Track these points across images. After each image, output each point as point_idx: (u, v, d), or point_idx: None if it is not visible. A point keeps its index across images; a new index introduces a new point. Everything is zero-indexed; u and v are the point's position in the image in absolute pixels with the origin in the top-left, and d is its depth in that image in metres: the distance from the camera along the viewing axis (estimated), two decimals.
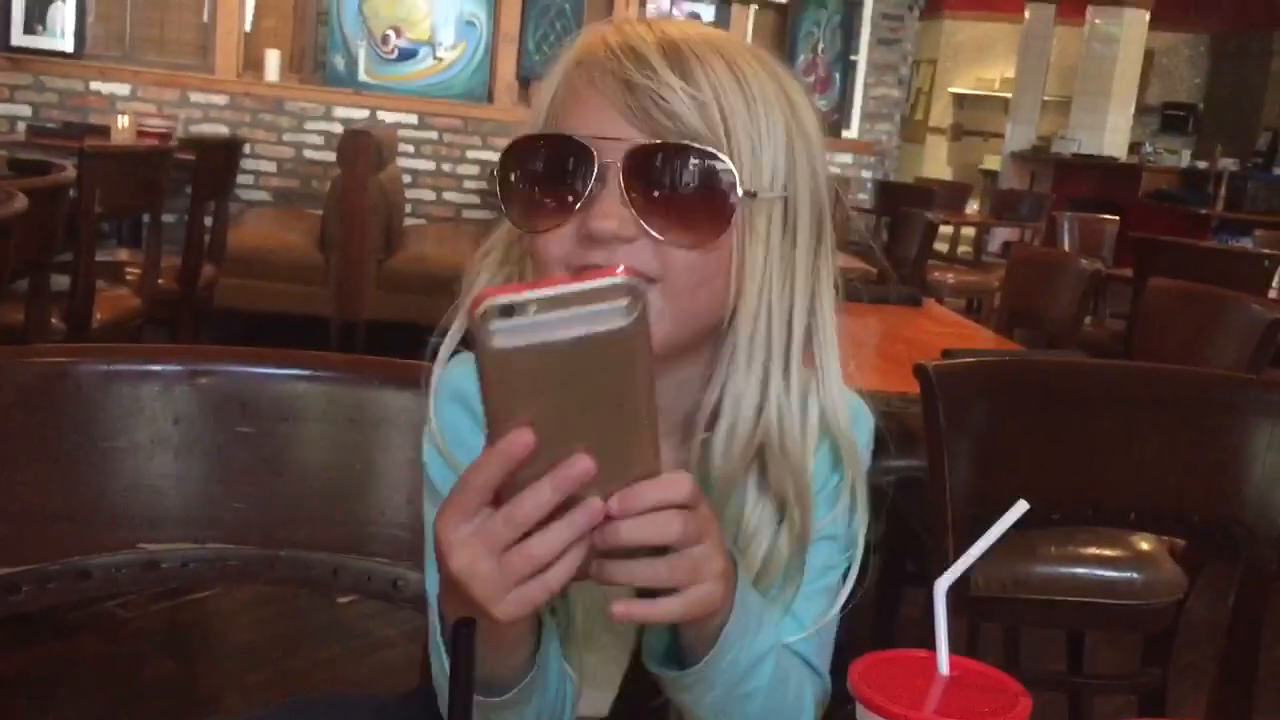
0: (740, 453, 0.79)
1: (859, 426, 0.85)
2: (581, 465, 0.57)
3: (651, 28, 0.78)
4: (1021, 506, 0.69)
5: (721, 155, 0.74)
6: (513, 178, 0.78)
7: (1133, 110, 11.09)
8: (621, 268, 0.54)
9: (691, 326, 0.78)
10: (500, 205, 0.79)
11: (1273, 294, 3.86)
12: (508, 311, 0.53)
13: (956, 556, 0.71)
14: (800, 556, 0.82)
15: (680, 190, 0.74)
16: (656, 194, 0.74)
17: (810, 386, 0.81)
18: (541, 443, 0.57)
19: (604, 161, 0.74)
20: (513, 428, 0.56)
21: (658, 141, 0.74)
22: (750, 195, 0.76)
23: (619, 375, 0.56)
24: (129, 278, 3.66)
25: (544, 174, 0.76)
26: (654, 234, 0.74)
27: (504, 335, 0.53)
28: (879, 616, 2.35)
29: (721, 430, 0.79)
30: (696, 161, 0.74)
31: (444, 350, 0.85)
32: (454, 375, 0.84)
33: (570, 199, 0.75)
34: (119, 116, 5.35)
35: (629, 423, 0.58)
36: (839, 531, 0.84)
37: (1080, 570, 2.01)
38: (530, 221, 0.77)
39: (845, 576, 0.85)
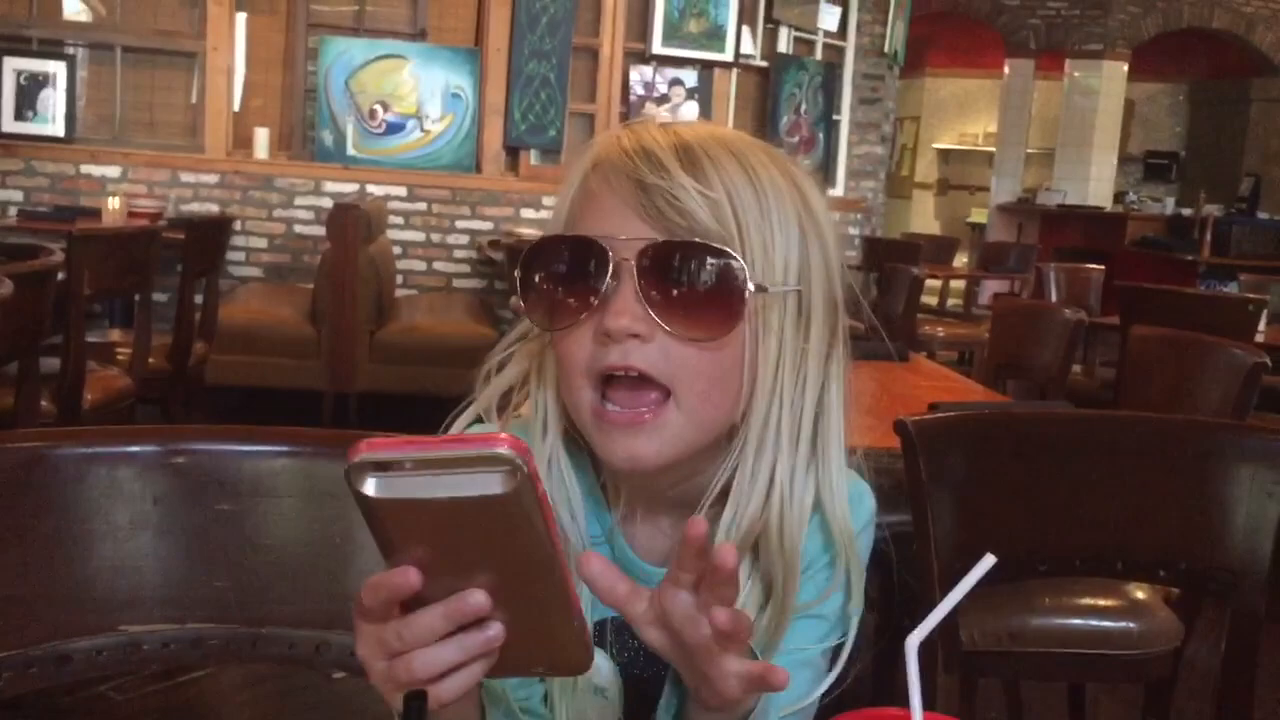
0: (743, 540, 0.80)
1: (859, 509, 0.86)
2: (475, 601, 0.59)
3: (665, 130, 0.80)
4: (988, 560, 0.69)
5: (733, 251, 0.76)
6: (533, 279, 0.80)
7: (1115, 160, 11.22)
8: (504, 435, 0.54)
9: (709, 432, 0.80)
10: (525, 306, 0.81)
11: (1259, 338, 3.88)
12: (384, 465, 0.54)
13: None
14: (779, 635, 0.82)
15: (693, 286, 0.76)
16: (670, 291, 0.76)
17: (810, 472, 0.82)
18: (437, 571, 0.58)
19: (619, 260, 0.76)
20: (401, 560, 0.58)
21: (670, 239, 0.76)
22: (762, 290, 0.77)
23: (502, 531, 0.56)
24: (120, 358, 3.67)
25: (562, 274, 0.78)
26: (667, 330, 0.76)
27: (376, 487, 0.54)
28: (876, 673, 2.33)
29: (727, 517, 0.80)
30: (708, 258, 0.76)
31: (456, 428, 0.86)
32: None
33: (588, 297, 0.77)
34: (109, 198, 5.39)
35: (529, 562, 0.58)
36: (826, 611, 0.85)
37: (1076, 621, 2.00)
38: (550, 320, 0.80)
39: (835, 659, 0.85)
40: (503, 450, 0.53)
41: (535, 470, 0.54)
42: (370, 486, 0.54)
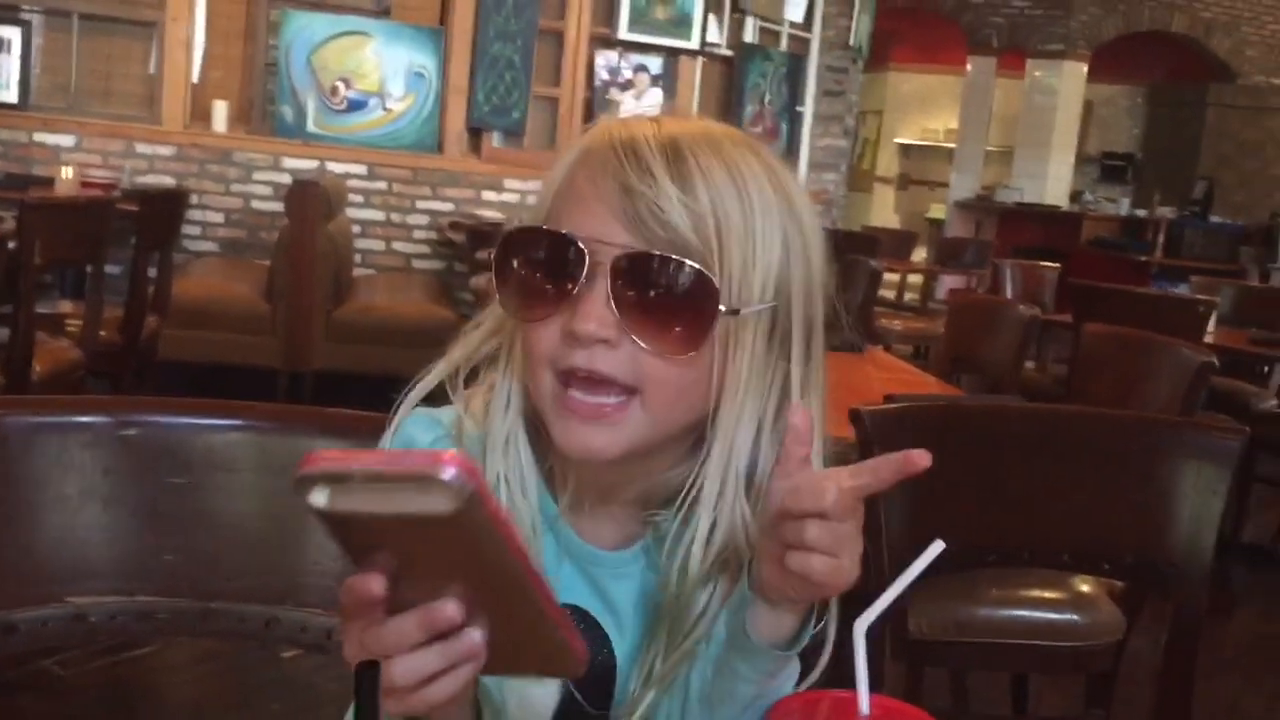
0: (716, 553, 0.81)
1: None
2: (447, 613, 0.58)
3: (657, 128, 0.79)
4: (937, 546, 0.70)
5: (709, 271, 0.76)
6: (508, 264, 0.80)
7: (1073, 160, 11.33)
8: (448, 454, 0.53)
9: (666, 431, 0.80)
10: (497, 287, 0.80)
11: (1208, 338, 3.94)
12: (334, 478, 0.53)
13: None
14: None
15: (665, 299, 0.76)
16: (641, 300, 0.76)
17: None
18: (408, 575, 0.57)
19: (594, 262, 0.76)
20: (366, 565, 0.57)
21: (647, 250, 0.76)
22: (734, 312, 0.77)
23: (460, 547, 0.56)
24: (70, 329, 3.61)
25: (537, 266, 0.78)
26: (635, 339, 0.76)
27: (326, 499, 0.54)
28: (834, 661, 2.35)
29: (704, 528, 0.80)
30: (683, 273, 0.76)
31: (403, 411, 0.85)
32: (406, 425, 0.85)
33: (558, 294, 0.77)
34: (63, 168, 5.30)
35: (495, 576, 0.58)
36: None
37: (1022, 613, 2.03)
38: (520, 310, 0.80)
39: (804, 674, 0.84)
40: (443, 474, 0.52)
41: (484, 490, 0.54)
42: (320, 499, 0.54)
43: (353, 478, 0.53)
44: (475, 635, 0.60)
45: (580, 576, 0.85)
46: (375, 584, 0.57)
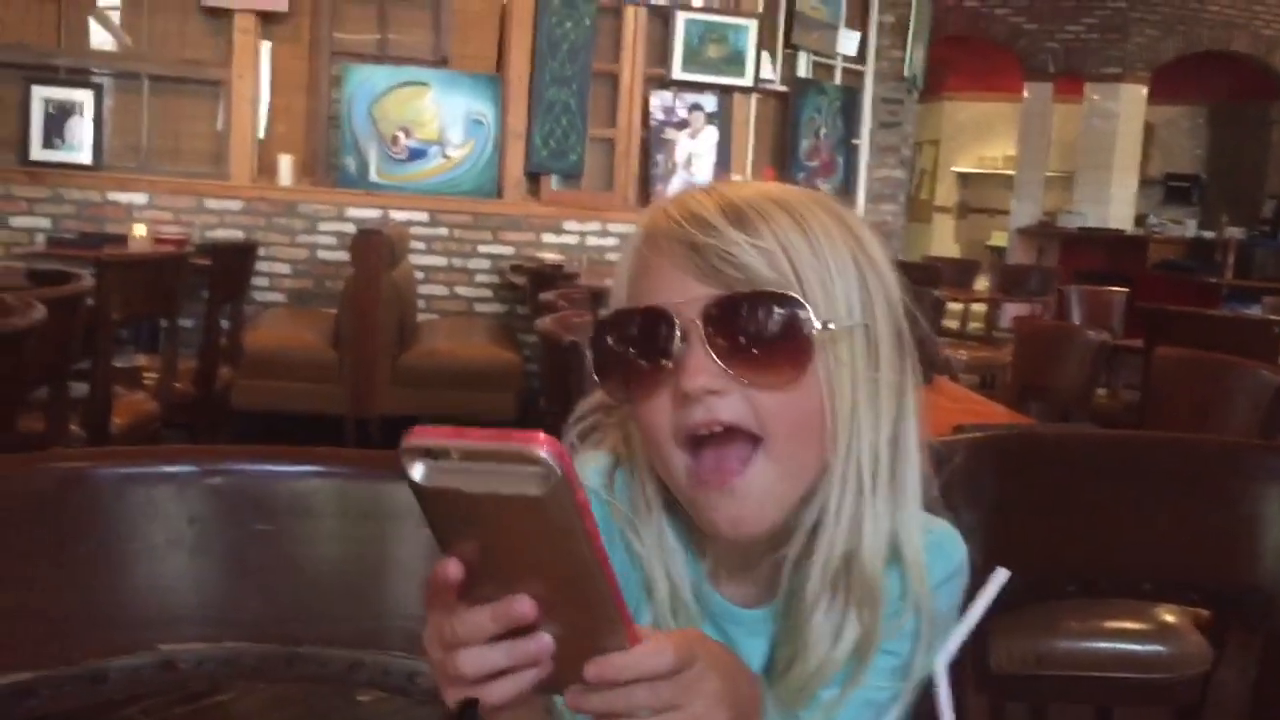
0: (834, 575, 0.81)
1: (942, 557, 0.85)
2: (521, 607, 0.59)
3: (710, 193, 0.81)
4: (1001, 575, 0.70)
5: (793, 294, 0.77)
6: (604, 355, 0.81)
7: (1136, 183, 11.19)
8: (543, 435, 0.55)
9: (803, 480, 0.81)
10: (601, 383, 0.82)
11: None
12: (433, 453, 0.55)
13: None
14: (859, 666, 0.82)
15: (760, 335, 0.77)
16: (739, 342, 0.77)
17: (889, 507, 0.82)
18: (488, 568, 0.59)
19: (684, 321, 0.77)
20: (450, 550, 0.59)
21: (731, 293, 0.77)
22: (827, 327, 0.78)
23: (544, 535, 0.57)
24: (146, 382, 3.70)
25: (631, 345, 0.80)
26: (743, 381, 0.77)
27: (423, 473, 0.55)
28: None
29: (821, 556, 0.81)
30: (771, 305, 0.77)
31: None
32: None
33: (660, 364, 0.78)
34: (136, 225, 5.45)
35: (573, 573, 0.59)
36: (899, 649, 0.84)
37: (1104, 644, 1.99)
38: (628, 394, 0.81)
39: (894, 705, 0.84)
40: (538, 451, 0.54)
41: (573, 476, 0.55)
42: (418, 471, 0.55)
43: (450, 453, 0.55)
44: (544, 639, 0.61)
45: (717, 635, 0.85)
46: (453, 568, 0.59)
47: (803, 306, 0.77)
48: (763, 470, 0.79)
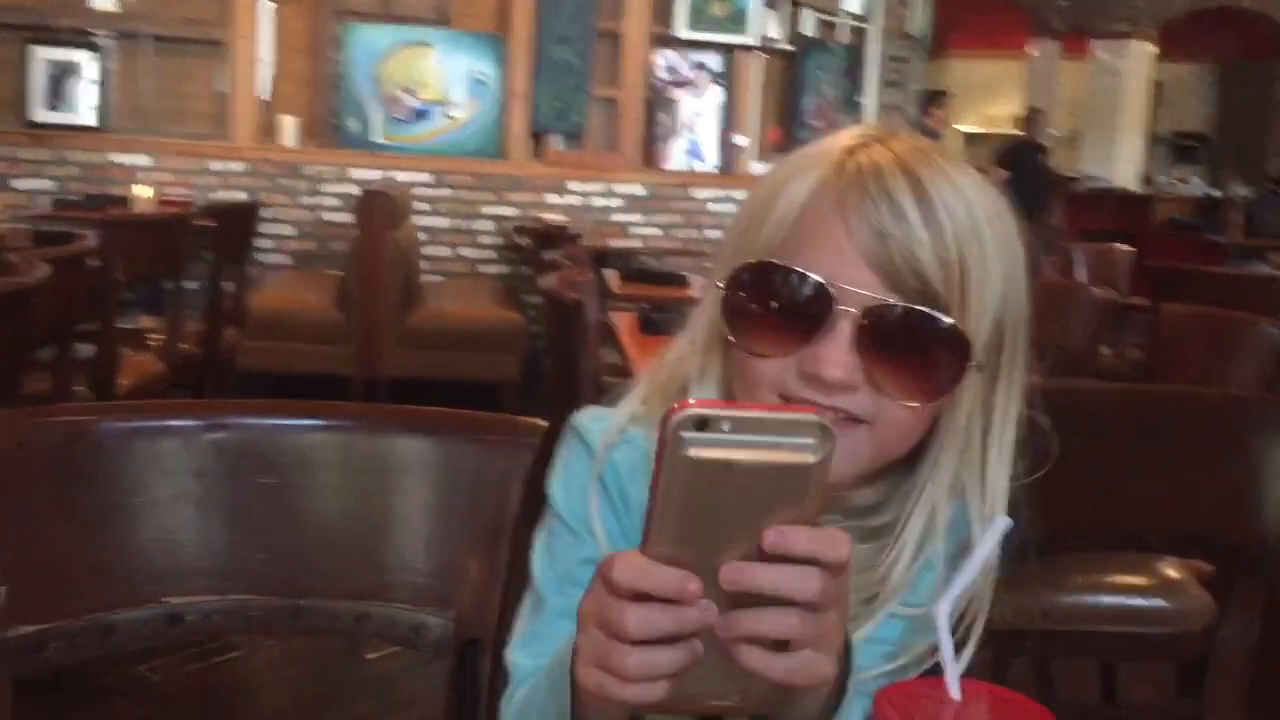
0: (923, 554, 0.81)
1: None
2: (708, 616, 0.57)
3: (891, 152, 0.78)
4: (1002, 522, 0.70)
5: (961, 327, 0.75)
6: (742, 296, 0.78)
7: (1142, 142, 11.11)
8: (815, 407, 0.56)
9: (885, 460, 0.80)
10: (725, 318, 0.79)
11: None
12: (701, 424, 0.55)
13: None
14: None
15: (912, 350, 0.75)
16: (889, 352, 0.75)
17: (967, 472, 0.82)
18: (692, 558, 0.57)
19: (844, 307, 0.75)
20: (661, 532, 0.57)
21: (901, 304, 0.75)
22: (979, 367, 0.77)
23: (790, 503, 0.57)
24: (152, 344, 3.70)
25: (777, 301, 0.77)
26: (878, 387, 0.76)
27: (697, 446, 0.55)
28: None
29: (905, 559, 0.81)
30: (935, 327, 0.75)
31: (610, 436, 0.84)
32: (585, 421, 0.87)
33: (798, 333, 0.76)
34: (140, 186, 5.44)
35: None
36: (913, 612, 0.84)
37: (1108, 599, 1.99)
38: (752, 344, 0.78)
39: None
40: (817, 419, 0.55)
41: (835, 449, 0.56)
42: (693, 448, 0.55)
43: (722, 422, 0.55)
44: (696, 647, 0.58)
45: None
46: (694, 585, 0.56)
47: (968, 342, 0.75)
48: (860, 442, 0.77)
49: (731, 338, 0.79)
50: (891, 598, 0.81)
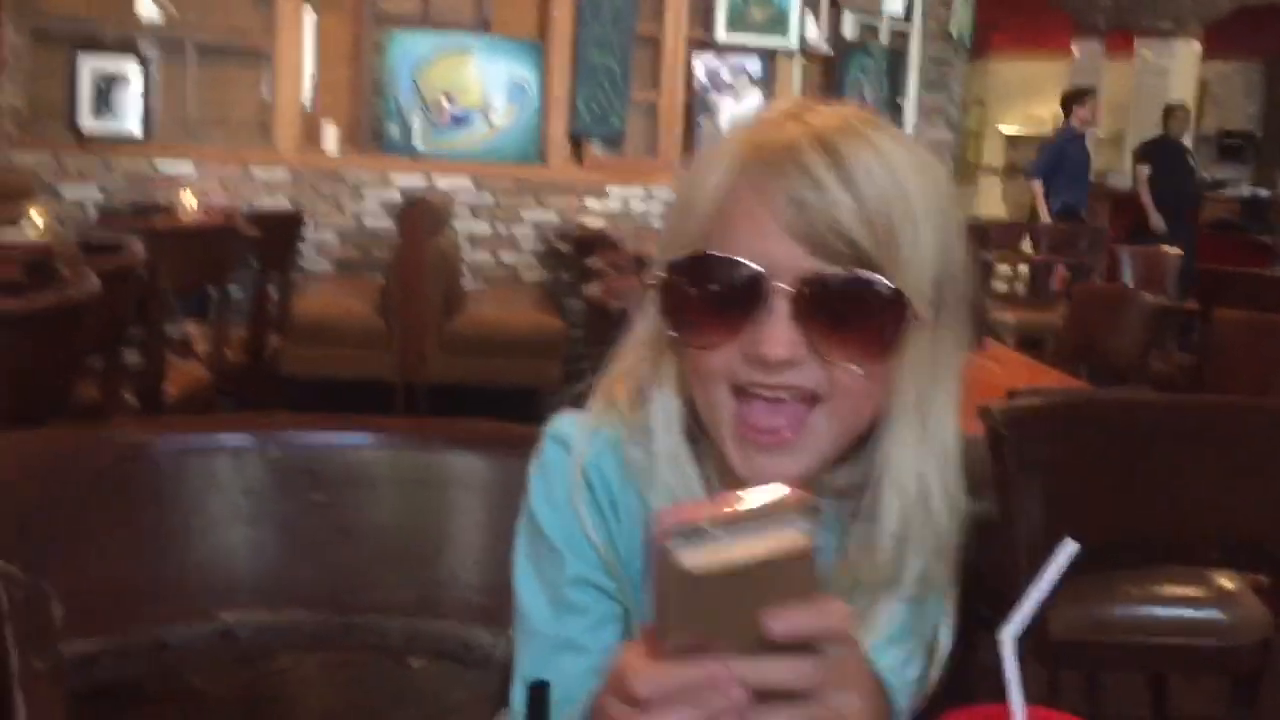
0: (906, 532, 0.80)
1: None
2: (736, 695, 0.56)
3: (805, 125, 0.77)
4: (1070, 546, 0.68)
5: (895, 285, 0.75)
6: (675, 290, 0.78)
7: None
8: (777, 485, 0.55)
9: (849, 436, 0.80)
10: (664, 316, 0.79)
11: None
12: (688, 533, 0.54)
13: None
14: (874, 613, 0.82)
15: (852, 315, 0.75)
16: (829, 320, 0.75)
17: (924, 451, 0.81)
18: (704, 653, 0.56)
19: (774, 285, 0.74)
20: (686, 641, 0.56)
21: (832, 271, 0.74)
22: (919, 320, 0.76)
23: (791, 585, 0.56)
24: (197, 351, 3.74)
25: (710, 291, 0.77)
26: (824, 357, 0.75)
27: (690, 557, 0.54)
28: (955, 665, 2.30)
29: (894, 516, 0.80)
30: (870, 289, 0.75)
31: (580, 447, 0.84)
32: (562, 425, 0.86)
33: (736, 319, 0.76)
34: (184, 195, 5.49)
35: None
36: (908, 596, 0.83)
37: (1162, 611, 1.97)
38: (692, 337, 0.78)
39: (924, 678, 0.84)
40: (802, 495, 0.55)
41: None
42: (688, 559, 0.54)
43: (707, 528, 0.54)
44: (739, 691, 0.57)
45: None
46: (722, 670, 0.55)
47: (904, 301, 0.75)
48: (817, 427, 0.77)
49: (673, 333, 0.79)
50: (888, 579, 0.81)
